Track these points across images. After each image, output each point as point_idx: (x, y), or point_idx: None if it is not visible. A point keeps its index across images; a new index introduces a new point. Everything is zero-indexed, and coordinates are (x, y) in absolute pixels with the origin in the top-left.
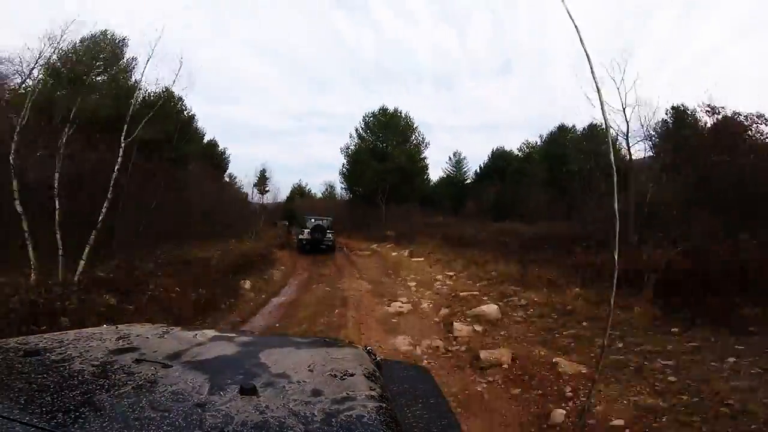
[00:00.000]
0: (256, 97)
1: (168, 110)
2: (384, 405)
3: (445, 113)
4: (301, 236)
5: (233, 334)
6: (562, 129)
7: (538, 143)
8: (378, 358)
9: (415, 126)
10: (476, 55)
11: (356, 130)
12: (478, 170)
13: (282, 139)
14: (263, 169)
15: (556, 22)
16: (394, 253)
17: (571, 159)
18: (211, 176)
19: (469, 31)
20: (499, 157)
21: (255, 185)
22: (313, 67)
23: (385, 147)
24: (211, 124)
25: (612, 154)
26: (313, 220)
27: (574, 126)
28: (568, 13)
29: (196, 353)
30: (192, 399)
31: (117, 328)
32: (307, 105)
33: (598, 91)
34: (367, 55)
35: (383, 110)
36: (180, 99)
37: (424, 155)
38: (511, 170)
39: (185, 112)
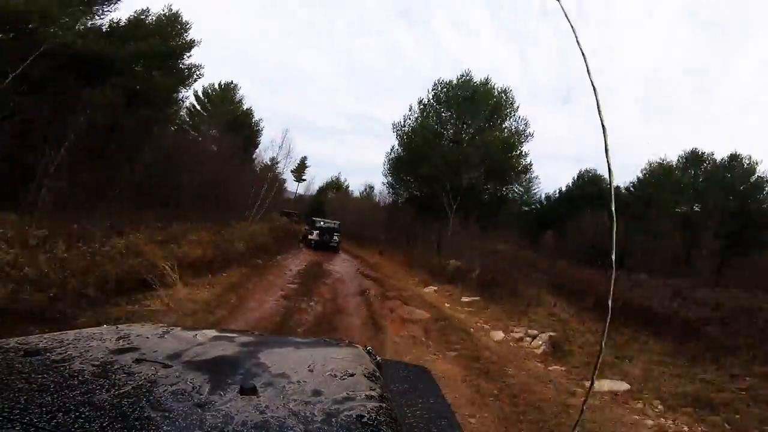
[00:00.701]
0: (313, 94)
1: (160, 29)
2: (384, 405)
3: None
4: (310, 236)
5: (233, 334)
6: (695, 155)
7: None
8: (378, 359)
9: (515, 106)
10: (535, 83)
11: (419, 102)
12: (557, 194)
13: (330, 137)
14: (304, 156)
15: (623, 60)
16: (497, 334)
17: (708, 194)
18: (208, 141)
19: (531, 59)
20: (591, 182)
21: (293, 171)
22: (370, 72)
23: (463, 128)
24: (266, 114)
25: (609, 167)
26: (322, 223)
27: (712, 154)
28: (565, 14)
29: (196, 353)
30: (192, 399)
31: (117, 328)
32: (360, 108)
33: (597, 102)
34: (424, 67)
35: (466, 79)
36: (186, 24)
37: (523, 149)
38: (627, 199)
39: (182, 36)
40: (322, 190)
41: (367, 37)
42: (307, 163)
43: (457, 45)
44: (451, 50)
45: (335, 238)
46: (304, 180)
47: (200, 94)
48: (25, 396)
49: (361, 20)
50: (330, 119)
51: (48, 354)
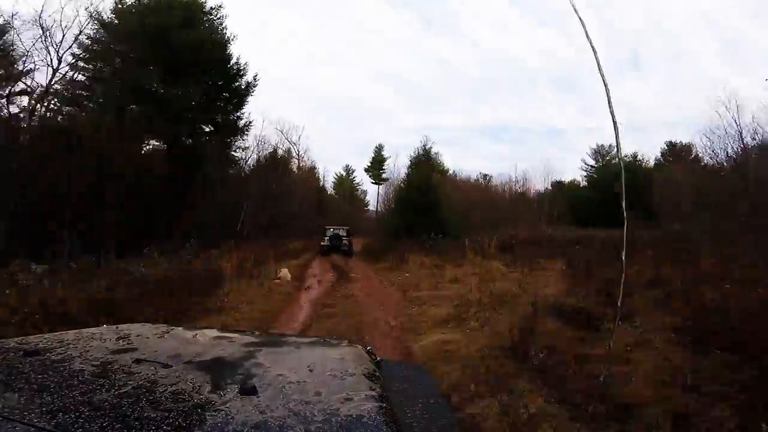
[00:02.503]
0: (375, 116)
1: None
2: (384, 405)
3: (574, 116)
4: (322, 243)
5: (233, 334)
6: None
7: None
8: (378, 358)
9: None
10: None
11: None
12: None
13: (402, 152)
14: (379, 145)
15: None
16: None
17: None
18: None
19: (575, 30)
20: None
21: (367, 170)
22: (421, 86)
23: None
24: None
25: (620, 160)
26: (331, 230)
27: None
28: (574, 7)
29: (196, 353)
30: (192, 399)
31: (117, 328)
32: (421, 121)
33: (606, 89)
34: (470, 68)
35: None
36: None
37: None
38: None
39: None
40: (418, 165)
41: (408, 53)
42: (385, 153)
43: (492, 37)
44: (488, 44)
45: (344, 242)
46: (385, 180)
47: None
48: (25, 396)
49: (401, 41)
50: (398, 137)
51: (48, 354)
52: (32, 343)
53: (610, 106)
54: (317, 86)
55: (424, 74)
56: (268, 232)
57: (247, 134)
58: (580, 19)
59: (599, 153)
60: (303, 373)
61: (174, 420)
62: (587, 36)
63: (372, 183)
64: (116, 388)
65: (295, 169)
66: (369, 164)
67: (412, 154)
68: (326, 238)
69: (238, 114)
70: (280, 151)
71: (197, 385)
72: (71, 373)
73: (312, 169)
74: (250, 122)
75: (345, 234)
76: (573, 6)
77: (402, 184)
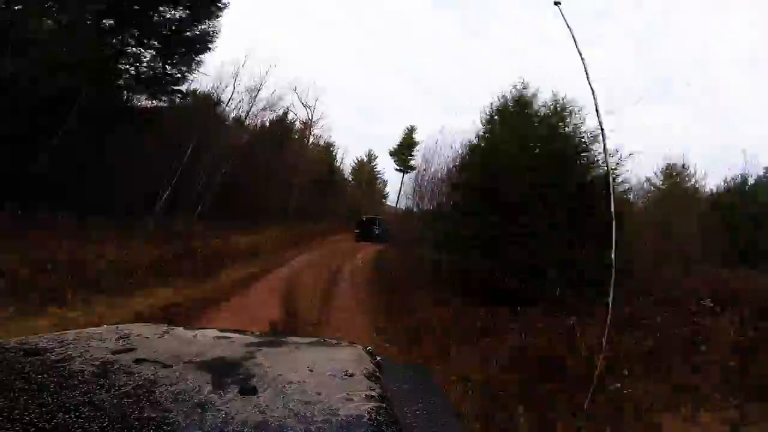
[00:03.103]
0: (400, 116)
1: None
2: (384, 405)
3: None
4: (356, 230)
5: (233, 335)
6: None
7: None
8: (378, 359)
9: None
10: (626, 78)
11: None
12: None
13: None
14: (410, 126)
15: (719, 38)
16: None
17: None
18: None
19: (611, 54)
20: None
21: (393, 153)
22: (449, 90)
23: None
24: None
25: (608, 169)
26: (364, 218)
27: None
28: (576, 44)
29: (196, 353)
30: (192, 399)
31: (117, 327)
32: (449, 127)
33: (602, 129)
34: (503, 78)
35: None
36: None
37: None
38: None
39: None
40: (503, 120)
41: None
42: (417, 137)
43: (533, 51)
44: (528, 56)
45: (375, 230)
46: (412, 168)
47: None
48: (25, 396)
49: (432, 41)
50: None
51: (48, 354)
52: (32, 343)
53: (603, 134)
54: (340, 72)
55: (458, 80)
56: (234, 210)
57: (204, 53)
58: (581, 55)
59: (669, 173)
60: (303, 373)
61: (174, 420)
62: (584, 64)
63: (397, 170)
64: (116, 388)
65: (305, 139)
66: (395, 147)
67: (497, 99)
68: (359, 227)
69: (197, 22)
70: (291, 115)
71: (197, 385)
72: (71, 373)
73: (329, 146)
74: (212, 33)
75: (377, 224)
76: (576, 44)
77: (487, 132)
